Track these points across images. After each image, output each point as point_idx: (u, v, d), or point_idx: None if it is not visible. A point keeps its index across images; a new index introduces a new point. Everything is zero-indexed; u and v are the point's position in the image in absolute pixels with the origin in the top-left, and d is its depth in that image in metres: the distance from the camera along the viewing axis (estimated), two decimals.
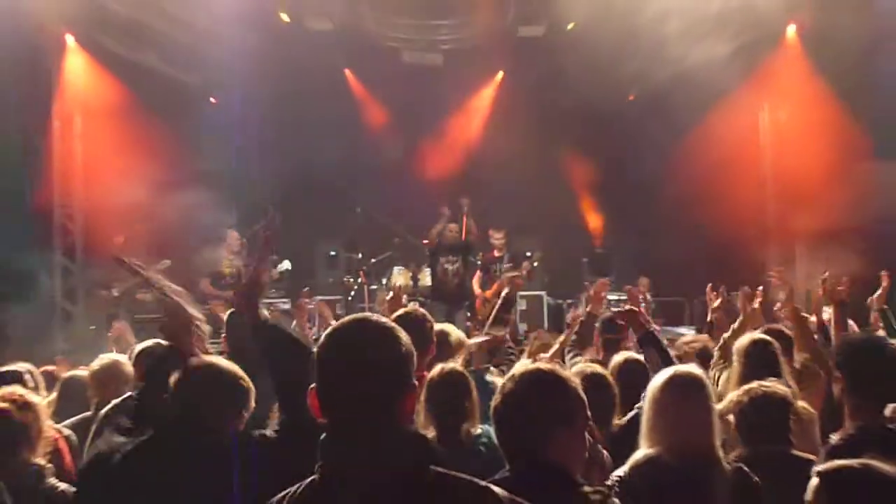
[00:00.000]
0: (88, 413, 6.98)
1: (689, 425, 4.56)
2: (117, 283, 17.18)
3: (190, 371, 4.27)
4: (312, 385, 3.07)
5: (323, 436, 3.08)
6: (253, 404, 4.46)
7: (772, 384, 5.51)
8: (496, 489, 3.05)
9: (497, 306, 8.54)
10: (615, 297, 17.28)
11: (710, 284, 10.41)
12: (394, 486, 2.93)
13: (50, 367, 9.27)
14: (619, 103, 20.68)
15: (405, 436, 3.05)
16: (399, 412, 3.03)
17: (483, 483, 3.06)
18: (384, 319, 3.25)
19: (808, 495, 3.70)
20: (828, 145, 16.86)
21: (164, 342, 5.88)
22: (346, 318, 3.29)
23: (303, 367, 4.11)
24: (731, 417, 5.44)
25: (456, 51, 20.39)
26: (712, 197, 18.30)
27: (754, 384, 5.48)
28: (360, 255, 18.48)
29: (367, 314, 3.32)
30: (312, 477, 3.15)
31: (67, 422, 6.93)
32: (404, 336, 3.12)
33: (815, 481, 3.70)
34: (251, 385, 4.50)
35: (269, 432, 4.26)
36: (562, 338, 8.69)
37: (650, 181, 17.92)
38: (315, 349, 3.20)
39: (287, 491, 3.15)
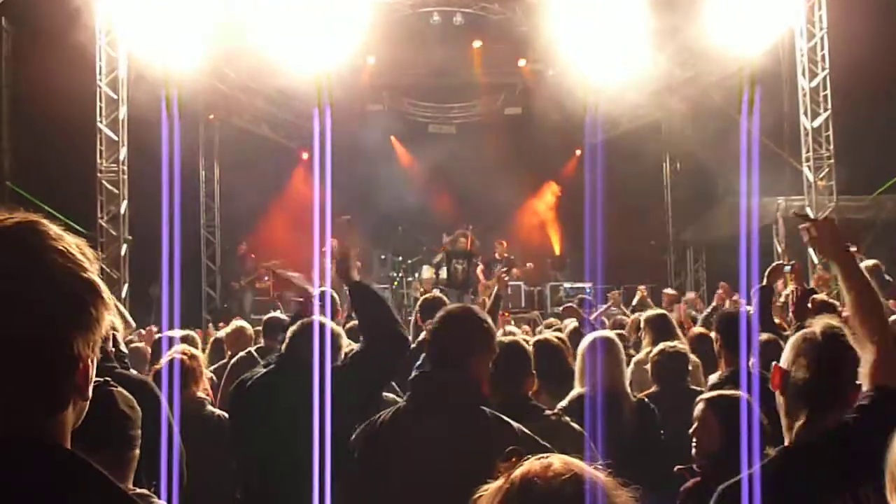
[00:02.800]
0: (224, 360, 7.03)
1: (604, 372, 4.48)
2: (242, 277, 17.29)
3: (299, 327, 4.28)
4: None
5: (413, 374, 3.14)
6: (344, 344, 4.42)
7: (675, 344, 5.47)
8: (514, 424, 3.02)
9: (491, 302, 8.35)
10: (569, 285, 17.32)
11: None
12: (454, 417, 2.96)
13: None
14: (569, 157, 20.68)
15: (468, 383, 3.06)
16: (470, 368, 3.06)
17: (506, 419, 3.03)
18: (475, 308, 3.33)
19: (696, 413, 3.75)
20: (699, 187, 16.90)
21: (279, 314, 5.88)
22: (454, 306, 3.44)
23: (380, 313, 4.14)
24: (647, 366, 5.38)
25: (465, 124, 20.43)
26: (634, 217, 18.32)
27: (663, 344, 5.39)
28: (400, 258, 18.43)
29: (468, 305, 3.41)
30: (404, 401, 3.20)
31: (212, 367, 6.98)
32: (486, 320, 3.19)
33: (700, 405, 3.76)
34: (342, 332, 4.50)
35: (340, 363, 4.21)
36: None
37: (592, 207, 17.85)
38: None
39: (387, 411, 3.17)
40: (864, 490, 2.46)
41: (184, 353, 4.90)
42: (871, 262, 10.25)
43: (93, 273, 1.30)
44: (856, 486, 2.50)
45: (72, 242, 1.30)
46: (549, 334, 5.85)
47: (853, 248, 9.99)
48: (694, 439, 3.75)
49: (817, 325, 2.77)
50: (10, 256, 1.24)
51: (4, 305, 1.22)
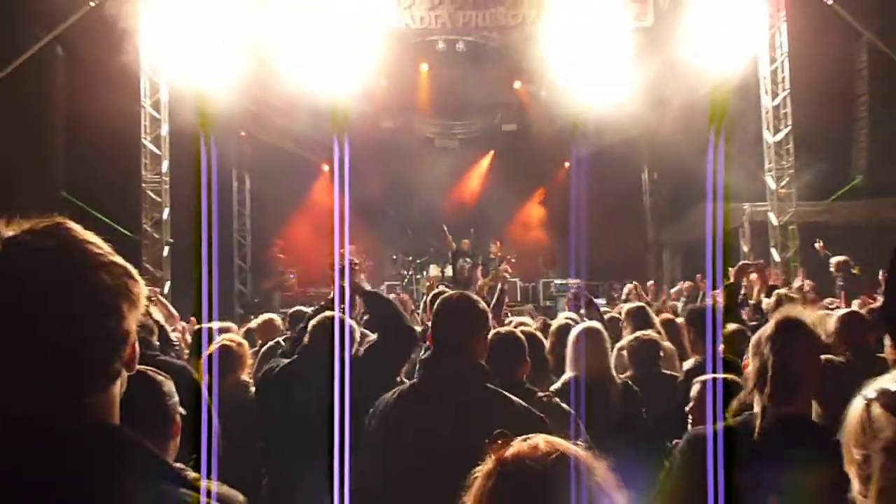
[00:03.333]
0: (255, 349, 7.03)
1: (591, 358, 4.48)
2: (271, 277, 17.34)
3: (319, 321, 4.29)
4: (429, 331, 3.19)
5: (424, 355, 3.14)
6: (358, 337, 4.44)
7: (649, 332, 5.45)
8: (517, 401, 2.99)
9: (494, 302, 8.23)
10: (560, 282, 17.28)
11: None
12: (460, 393, 2.94)
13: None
14: (559, 167, 20.66)
15: (473, 364, 3.04)
16: (472, 349, 3.05)
17: (511, 397, 3.00)
18: (472, 295, 3.29)
19: (693, 393, 3.80)
20: (674, 194, 16.84)
21: (304, 308, 5.87)
22: (452, 293, 3.36)
23: (388, 312, 4.18)
24: (624, 352, 5.35)
25: (466, 139, 20.42)
26: (616, 220, 18.29)
27: (639, 333, 5.38)
28: (410, 258, 18.45)
29: (465, 292, 3.38)
30: (413, 381, 3.20)
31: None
32: (481, 305, 3.17)
33: (697, 386, 3.81)
34: (356, 326, 4.49)
35: (360, 350, 4.25)
36: None
37: (577, 212, 17.81)
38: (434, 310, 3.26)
39: (398, 389, 3.16)
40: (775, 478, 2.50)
41: (231, 341, 4.90)
42: (841, 257, 10.27)
43: (120, 258, 1.29)
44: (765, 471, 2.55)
45: (93, 236, 1.29)
46: (531, 326, 5.83)
47: (818, 244, 9.84)
48: (690, 416, 3.78)
49: (770, 323, 2.75)
50: (56, 252, 1.23)
51: (62, 297, 1.21)
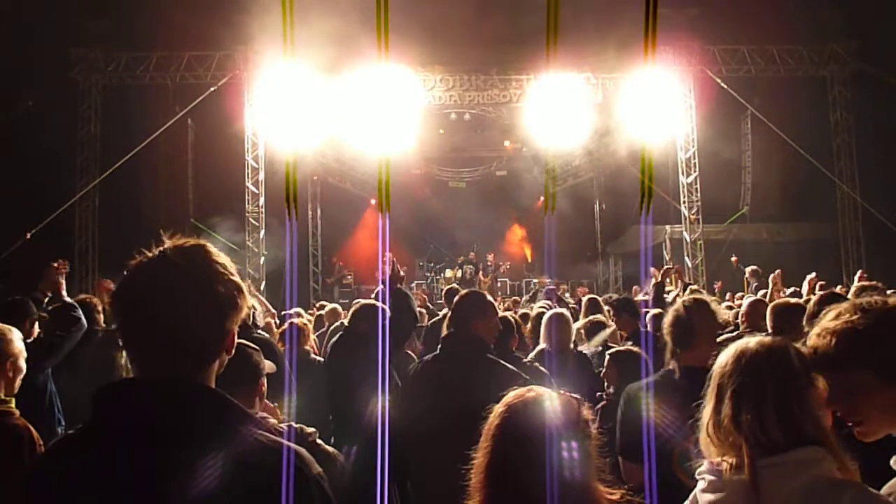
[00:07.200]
0: (324, 329, 6.98)
1: (558, 334, 4.42)
2: (333, 277, 17.32)
3: (355, 308, 4.18)
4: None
5: (443, 334, 3.11)
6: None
7: (598, 316, 5.41)
8: (507, 365, 2.95)
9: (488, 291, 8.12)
10: (536, 281, 17.14)
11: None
12: (466, 360, 2.91)
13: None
14: (536, 201, 20.58)
15: (474, 339, 3.00)
16: (475, 328, 3.02)
17: (501, 362, 2.96)
18: (479, 291, 3.22)
19: (605, 365, 3.75)
20: (617, 219, 16.67)
21: (361, 300, 5.83)
22: (466, 290, 3.26)
23: (407, 305, 3.97)
24: (582, 331, 5.27)
25: (471, 181, 20.34)
26: (576, 238, 18.19)
27: (591, 317, 5.33)
28: (432, 264, 18.40)
29: (475, 290, 3.27)
30: (436, 352, 3.14)
31: (317, 332, 6.89)
32: (486, 296, 3.17)
33: (607, 358, 3.77)
34: (386, 308, 4.42)
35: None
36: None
37: (549, 233, 17.74)
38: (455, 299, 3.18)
39: (426, 356, 3.12)
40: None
41: (300, 322, 4.92)
42: (752, 266, 9.97)
43: (237, 276, 1.28)
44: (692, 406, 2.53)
45: (224, 256, 1.29)
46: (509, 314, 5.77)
47: (734, 258, 9.39)
48: (605, 379, 3.76)
49: (679, 302, 2.80)
50: (192, 266, 1.23)
51: (190, 299, 1.21)
